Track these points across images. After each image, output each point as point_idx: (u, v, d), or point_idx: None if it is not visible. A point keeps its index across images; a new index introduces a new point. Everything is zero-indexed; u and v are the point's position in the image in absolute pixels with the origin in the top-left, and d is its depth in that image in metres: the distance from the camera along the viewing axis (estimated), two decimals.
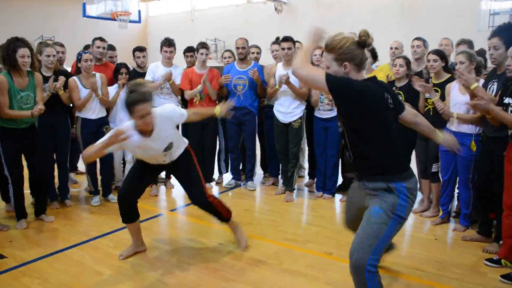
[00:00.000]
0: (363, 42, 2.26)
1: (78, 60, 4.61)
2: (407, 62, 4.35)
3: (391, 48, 4.95)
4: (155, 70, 5.17)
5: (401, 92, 4.34)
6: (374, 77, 2.41)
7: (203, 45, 5.21)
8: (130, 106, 2.95)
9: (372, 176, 2.26)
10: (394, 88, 4.33)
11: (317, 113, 4.82)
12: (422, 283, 2.97)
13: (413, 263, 3.27)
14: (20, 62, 3.81)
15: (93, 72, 4.65)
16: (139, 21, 13.44)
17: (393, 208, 2.18)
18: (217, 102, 5.13)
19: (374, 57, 4.54)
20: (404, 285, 2.95)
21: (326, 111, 4.72)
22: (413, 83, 4.06)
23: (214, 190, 5.38)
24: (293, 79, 4.69)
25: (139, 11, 13.10)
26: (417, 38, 4.78)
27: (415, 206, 4.47)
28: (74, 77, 4.57)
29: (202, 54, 5.13)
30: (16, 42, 3.81)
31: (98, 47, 5.12)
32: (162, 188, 5.49)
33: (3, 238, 3.86)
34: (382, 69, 4.86)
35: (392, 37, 5.52)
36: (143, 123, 3.01)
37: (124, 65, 4.97)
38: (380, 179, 2.23)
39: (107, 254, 3.51)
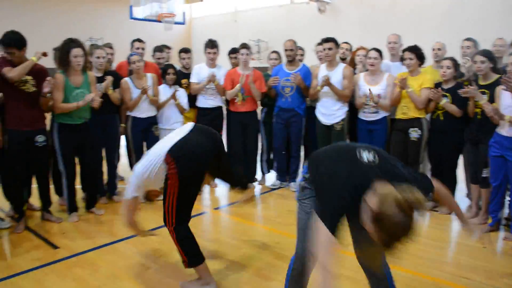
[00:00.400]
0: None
1: (128, 62, 4.80)
2: (455, 64, 4.24)
3: (433, 49, 4.84)
4: (199, 71, 5.27)
5: (448, 95, 4.25)
6: None
7: (244, 45, 5.27)
8: None
9: None
10: (439, 89, 4.24)
11: (362, 116, 4.77)
12: None
13: (459, 271, 3.20)
14: (74, 61, 4.03)
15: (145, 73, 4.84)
16: (183, 23, 13.70)
17: None
18: (259, 103, 5.19)
19: (421, 58, 4.44)
20: None
21: (372, 113, 4.66)
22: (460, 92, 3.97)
23: (256, 190, 5.43)
24: (334, 81, 4.67)
25: (184, 13, 13.36)
26: (468, 39, 4.65)
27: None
28: (126, 79, 4.76)
29: (243, 54, 5.19)
30: (71, 43, 4.05)
31: (138, 48, 5.28)
32: (206, 187, 5.60)
33: (57, 230, 4.07)
34: (426, 71, 4.76)
35: (438, 38, 5.37)
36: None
37: (172, 66, 5.10)
38: None
39: (153, 249, 3.63)
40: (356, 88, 4.75)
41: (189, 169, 2.73)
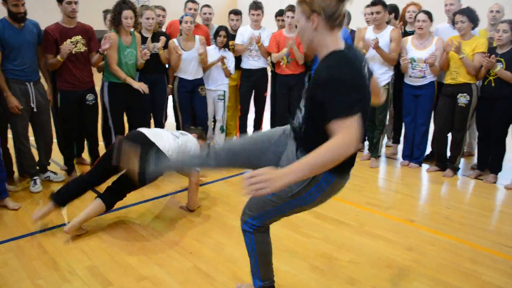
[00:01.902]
0: None
1: (180, 22, 4.87)
2: None
3: (491, 12, 4.59)
4: (243, 33, 5.29)
5: (502, 60, 4.08)
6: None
7: (289, 7, 5.19)
8: None
9: None
10: (493, 56, 4.07)
11: (408, 80, 4.67)
12: (509, 259, 2.88)
13: (500, 239, 3.17)
14: (124, 23, 4.18)
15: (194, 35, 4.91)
16: None
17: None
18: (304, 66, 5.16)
19: (473, 21, 4.24)
20: (490, 259, 2.88)
21: (418, 78, 4.56)
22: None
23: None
24: (381, 44, 4.56)
25: None
26: None
27: (507, 182, 4.27)
28: (174, 39, 4.84)
29: (288, 17, 5.14)
30: (123, 5, 4.18)
31: (190, 9, 5.32)
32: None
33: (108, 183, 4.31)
34: (480, 34, 4.55)
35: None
36: None
37: (224, 28, 5.11)
38: None
39: (198, 203, 3.80)
40: (403, 52, 4.63)
41: None
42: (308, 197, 1.96)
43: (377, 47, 4.51)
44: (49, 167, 4.40)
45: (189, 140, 3.51)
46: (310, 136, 1.86)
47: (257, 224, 2.17)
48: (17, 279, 2.65)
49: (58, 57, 3.94)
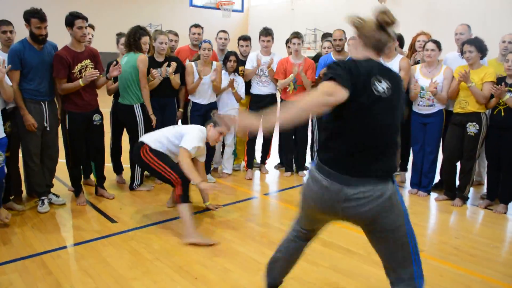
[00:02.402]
0: (381, 22, 2.03)
1: (199, 47, 4.96)
2: None
3: (504, 42, 4.62)
4: (253, 58, 5.35)
5: None
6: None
7: (295, 34, 5.28)
8: None
9: None
10: (503, 84, 4.08)
11: (416, 108, 4.68)
12: None
13: (510, 270, 3.11)
14: (144, 48, 4.36)
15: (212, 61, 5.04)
16: (242, 10, 13.87)
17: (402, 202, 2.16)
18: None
19: (482, 51, 4.25)
20: None
21: (427, 106, 4.57)
22: None
23: (305, 179, 5.46)
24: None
25: (242, 1, 13.50)
26: None
27: None
28: (192, 63, 4.94)
29: (294, 43, 5.21)
30: (141, 31, 4.36)
31: (194, 34, 5.41)
32: (257, 172, 5.71)
33: (115, 206, 4.32)
34: (490, 64, 4.57)
35: (507, 30, 5.13)
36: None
37: (234, 54, 5.21)
38: None
39: (205, 228, 3.78)
40: (412, 81, 4.65)
41: None
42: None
43: None
44: (53, 189, 4.41)
45: (188, 131, 3.80)
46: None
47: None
48: None
49: (80, 82, 4.01)
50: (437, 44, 4.51)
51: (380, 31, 2.04)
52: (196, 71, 4.88)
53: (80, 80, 4.01)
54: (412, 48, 5.17)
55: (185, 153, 3.64)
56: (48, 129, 4.07)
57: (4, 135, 3.58)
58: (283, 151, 5.69)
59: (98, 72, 4.07)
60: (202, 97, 5.00)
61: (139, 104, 4.51)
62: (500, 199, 4.36)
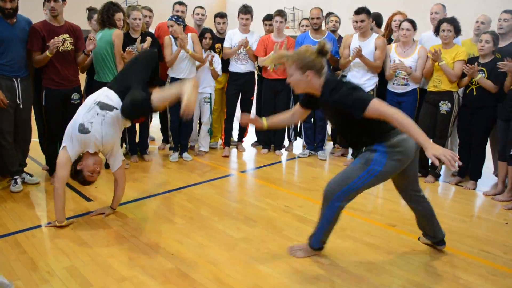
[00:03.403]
0: (321, 51, 2.59)
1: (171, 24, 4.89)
2: (494, 38, 4.14)
3: (477, 22, 4.69)
4: (232, 36, 5.31)
5: (484, 69, 4.17)
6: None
7: (278, 12, 5.25)
8: None
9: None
10: (476, 64, 4.16)
11: (391, 87, 4.74)
12: (485, 264, 2.94)
13: (477, 243, 3.23)
14: (118, 25, 4.29)
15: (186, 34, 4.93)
16: None
17: (368, 161, 2.64)
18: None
19: (458, 31, 4.33)
20: (467, 263, 2.94)
21: (401, 85, 4.63)
22: (499, 65, 3.90)
23: (283, 157, 5.52)
24: (366, 51, 4.63)
25: None
26: (506, 11, 4.49)
27: (487, 188, 4.36)
28: (170, 36, 4.87)
29: (277, 21, 5.18)
30: (114, 7, 4.27)
31: (177, 11, 5.32)
32: (234, 150, 5.72)
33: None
34: (464, 44, 4.65)
35: (479, 10, 5.20)
36: None
37: (209, 31, 5.15)
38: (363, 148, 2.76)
39: (181, 205, 3.80)
40: (387, 60, 4.70)
41: None
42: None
43: (360, 55, 4.58)
44: (26, 169, 4.34)
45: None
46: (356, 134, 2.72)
47: (345, 197, 2.75)
48: None
49: (47, 52, 3.91)
50: (413, 23, 4.55)
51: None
52: (175, 43, 4.81)
53: (47, 51, 3.91)
54: (389, 28, 5.21)
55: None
56: (21, 106, 3.97)
57: None
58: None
59: (61, 40, 3.93)
60: (180, 71, 4.94)
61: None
62: (470, 176, 4.49)
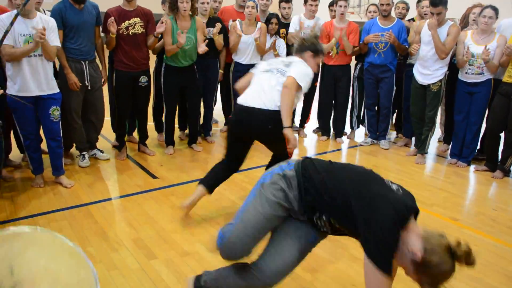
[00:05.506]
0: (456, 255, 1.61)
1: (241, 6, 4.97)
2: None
3: None
4: (297, 22, 5.28)
5: None
6: None
7: None
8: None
9: None
10: None
11: (463, 77, 4.51)
12: None
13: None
14: (181, 7, 4.30)
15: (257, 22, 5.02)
16: None
17: None
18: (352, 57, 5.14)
19: None
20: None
21: (475, 74, 4.39)
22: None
23: (344, 145, 5.46)
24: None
25: None
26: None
27: None
28: (237, 21, 4.97)
29: (340, 6, 5.08)
30: None
31: None
32: (295, 136, 5.72)
33: (156, 162, 4.49)
34: None
35: None
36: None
37: (276, 16, 5.16)
38: None
39: (242, 187, 3.89)
40: (461, 46, 4.46)
41: None
42: None
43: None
44: (97, 145, 4.59)
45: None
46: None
47: None
48: None
49: (111, 33, 4.13)
50: (496, 11, 4.27)
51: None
52: (240, 27, 4.90)
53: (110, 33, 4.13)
54: (465, 20, 4.91)
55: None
56: (89, 88, 4.18)
57: (58, 90, 3.71)
58: (322, 116, 5.66)
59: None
60: (244, 56, 5.01)
61: (164, 65, 4.57)
62: None
